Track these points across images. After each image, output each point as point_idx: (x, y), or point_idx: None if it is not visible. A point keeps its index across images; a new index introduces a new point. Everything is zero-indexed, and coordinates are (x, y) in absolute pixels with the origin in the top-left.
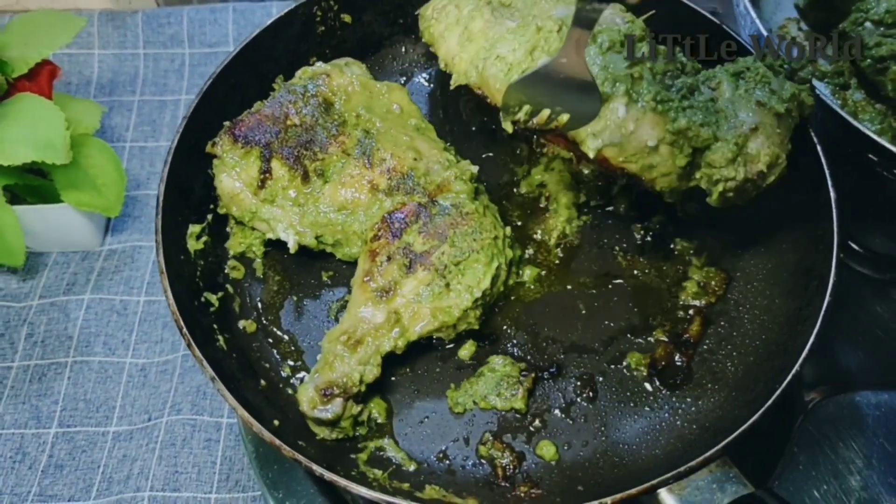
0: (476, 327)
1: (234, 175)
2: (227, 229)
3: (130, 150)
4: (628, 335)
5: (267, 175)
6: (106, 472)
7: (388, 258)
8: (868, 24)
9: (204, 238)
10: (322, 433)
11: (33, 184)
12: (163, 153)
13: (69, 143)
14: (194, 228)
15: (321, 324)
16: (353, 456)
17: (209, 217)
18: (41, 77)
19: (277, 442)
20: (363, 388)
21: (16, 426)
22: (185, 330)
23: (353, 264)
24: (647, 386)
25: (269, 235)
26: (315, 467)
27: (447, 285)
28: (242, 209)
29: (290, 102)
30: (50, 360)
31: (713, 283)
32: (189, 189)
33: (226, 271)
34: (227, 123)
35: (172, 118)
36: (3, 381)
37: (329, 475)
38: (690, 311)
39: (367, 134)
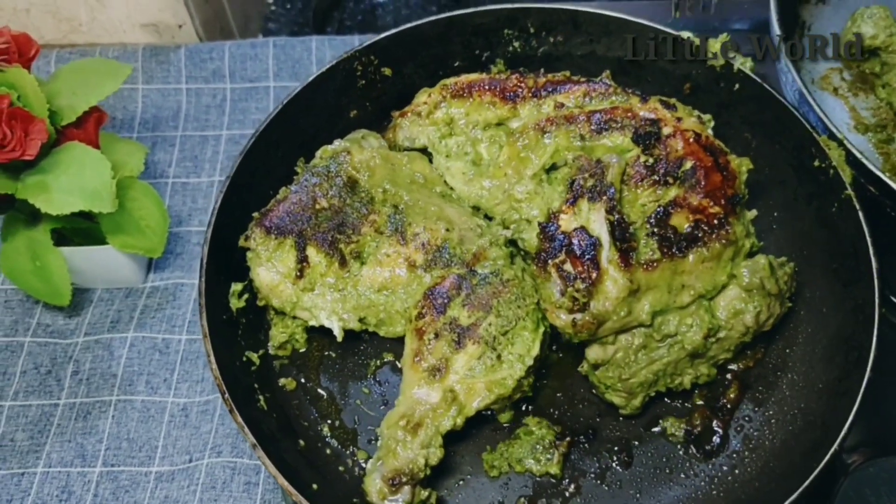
0: (530, 395)
1: (270, 268)
2: (268, 318)
3: (173, 186)
4: (665, 399)
5: (304, 264)
6: None
7: (436, 335)
8: None
9: (246, 296)
10: None
11: (80, 226)
12: (204, 188)
13: (115, 192)
14: (236, 287)
15: (359, 381)
16: None
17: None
18: (88, 124)
19: None
20: (429, 472)
21: (62, 464)
22: (227, 395)
23: None
24: (683, 452)
25: (312, 323)
26: None
27: (499, 357)
28: (283, 300)
29: (315, 186)
30: (95, 398)
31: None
32: (231, 247)
33: (267, 328)
34: (255, 215)
35: (213, 153)
36: (50, 419)
37: None
38: (728, 376)
39: (396, 209)
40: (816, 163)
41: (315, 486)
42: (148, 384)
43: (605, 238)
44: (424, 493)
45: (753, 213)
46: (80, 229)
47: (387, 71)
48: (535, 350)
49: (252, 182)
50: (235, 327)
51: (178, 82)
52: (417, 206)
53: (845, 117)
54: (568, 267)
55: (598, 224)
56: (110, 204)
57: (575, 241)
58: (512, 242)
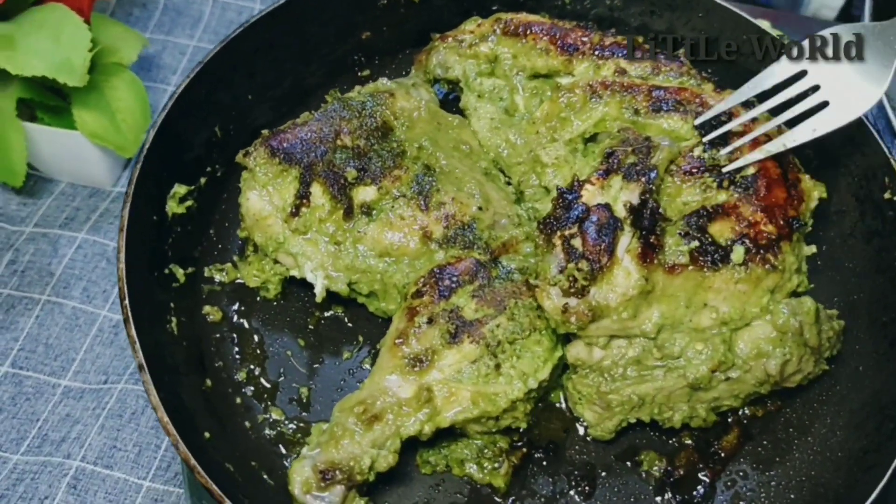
0: (523, 425)
1: (264, 195)
2: (246, 254)
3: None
4: (648, 428)
5: (304, 201)
6: (43, 428)
7: (430, 320)
8: None
9: (189, 202)
10: None
11: (50, 103)
12: None
13: (88, 66)
14: (180, 189)
15: (299, 329)
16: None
17: (202, 181)
18: None
19: (192, 461)
20: (371, 477)
21: None
22: (126, 301)
23: None
24: (657, 497)
25: (294, 273)
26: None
27: (497, 367)
28: (267, 237)
29: (343, 119)
30: (24, 293)
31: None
32: (188, 144)
33: (204, 244)
34: (265, 132)
35: None
36: None
37: None
38: (729, 419)
39: (428, 170)
40: (887, 195)
41: (207, 434)
42: (85, 291)
43: (629, 223)
44: (360, 502)
45: (812, 248)
46: (51, 107)
47: None
48: (544, 373)
49: (231, 77)
50: (167, 233)
51: None
52: (454, 174)
53: None
54: (577, 243)
55: (627, 206)
56: (80, 78)
57: (594, 216)
58: None
